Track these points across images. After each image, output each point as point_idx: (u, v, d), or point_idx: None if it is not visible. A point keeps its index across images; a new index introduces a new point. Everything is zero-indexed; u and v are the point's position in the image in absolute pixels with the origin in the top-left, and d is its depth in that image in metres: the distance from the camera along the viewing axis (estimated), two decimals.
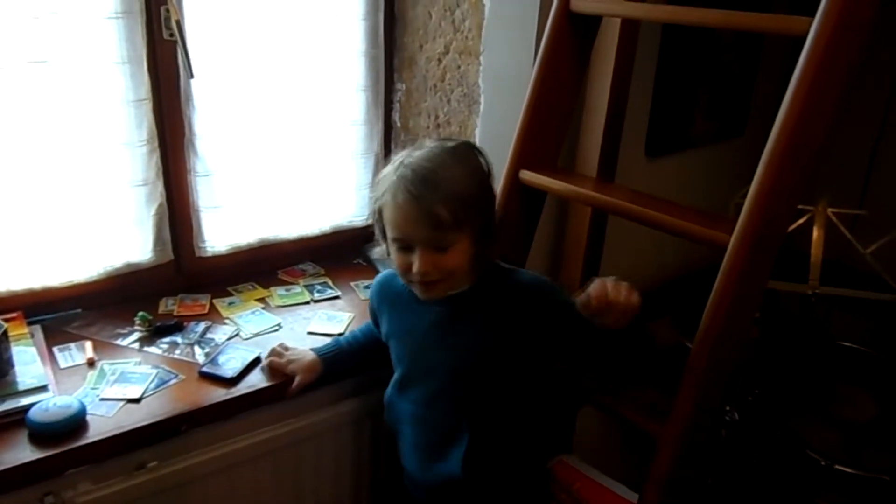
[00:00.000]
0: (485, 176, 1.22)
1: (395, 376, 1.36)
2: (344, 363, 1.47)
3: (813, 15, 1.06)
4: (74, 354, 1.43)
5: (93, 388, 1.33)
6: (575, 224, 1.65)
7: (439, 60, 1.76)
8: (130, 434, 1.24)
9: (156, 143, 1.54)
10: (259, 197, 1.73)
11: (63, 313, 1.55)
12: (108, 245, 1.55)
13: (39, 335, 1.46)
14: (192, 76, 1.50)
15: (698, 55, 1.90)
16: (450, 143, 1.22)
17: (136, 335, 1.51)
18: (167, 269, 1.66)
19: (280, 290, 1.75)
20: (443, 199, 1.12)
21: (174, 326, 1.54)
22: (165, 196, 1.59)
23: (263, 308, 1.67)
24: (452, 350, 1.27)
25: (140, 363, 1.42)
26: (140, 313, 1.53)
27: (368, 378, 1.52)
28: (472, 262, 1.21)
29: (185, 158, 1.60)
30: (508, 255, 1.40)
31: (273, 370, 1.42)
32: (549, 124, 1.46)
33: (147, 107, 1.49)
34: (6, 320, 1.37)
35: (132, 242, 1.57)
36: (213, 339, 1.52)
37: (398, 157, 1.20)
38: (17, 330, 1.41)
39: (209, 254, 1.70)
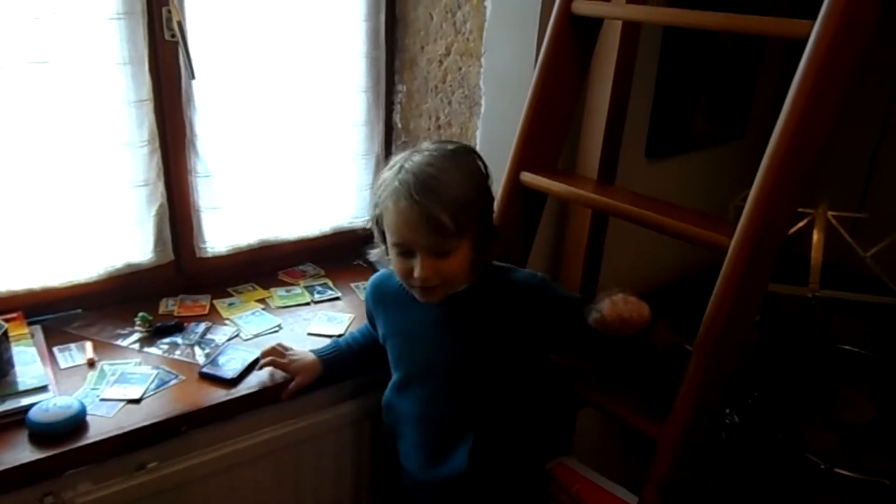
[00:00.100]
0: (484, 179, 1.22)
1: (394, 377, 1.36)
2: (344, 364, 1.47)
3: (814, 17, 1.06)
4: (74, 355, 1.43)
5: (93, 389, 1.33)
6: (575, 226, 1.65)
7: (440, 62, 1.76)
8: (130, 434, 1.24)
9: (157, 144, 1.54)
10: (260, 198, 1.73)
11: (63, 314, 1.55)
12: (108, 245, 1.55)
13: (40, 335, 1.46)
14: (193, 77, 1.50)
15: (699, 57, 1.90)
16: (449, 147, 1.22)
17: (136, 336, 1.51)
18: (167, 270, 1.66)
19: (280, 291, 1.75)
20: (445, 205, 1.12)
21: (174, 327, 1.54)
22: (166, 196, 1.59)
23: (264, 309, 1.67)
24: (452, 349, 1.27)
25: (140, 364, 1.42)
26: (140, 314, 1.53)
27: (368, 379, 1.52)
28: (471, 264, 1.21)
29: (185, 159, 1.60)
30: (509, 256, 1.40)
31: (275, 369, 1.41)
32: (549, 126, 1.46)
33: (148, 107, 1.49)
34: (6, 320, 1.37)
35: (133, 243, 1.57)
36: (213, 340, 1.52)
37: (397, 161, 1.19)
38: (18, 330, 1.41)
39: (209, 254, 1.70)
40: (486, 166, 1.23)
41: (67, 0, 1.35)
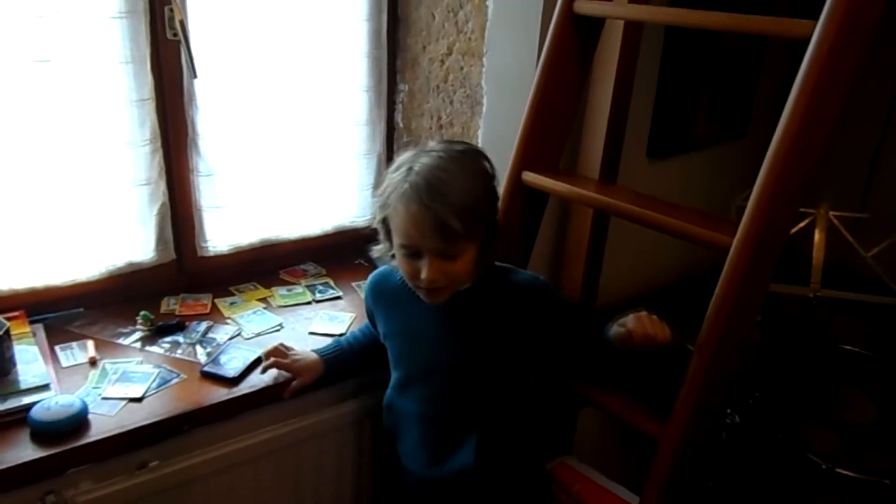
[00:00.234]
0: (491, 181, 1.22)
1: (395, 377, 1.36)
2: (345, 363, 1.47)
3: (816, 17, 1.06)
4: (76, 353, 1.43)
5: (94, 388, 1.34)
6: (577, 225, 1.65)
7: (442, 61, 1.76)
8: (132, 433, 1.24)
9: (158, 143, 1.54)
10: (261, 197, 1.73)
11: (65, 312, 1.55)
12: (110, 244, 1.55)
13: (41, 334, 1.46)
14: (195, 76, 1.51)
15: (701, 57, 1.90)
16: (457, 148, 1.21)
17: (137, 334, 1.51)
18: (169, 269, 1.66)
19: (282, 291, 1.75)
20: (455, 210, 1.11)
21: (176, 326, 1.55)
22: (168, 196, 1.59)
23: (265, 308, 1.67)
24: (453, 348, 1.27)
25: (142, 362, 1.42)
26: (142, 313, 1.53)
27: (369, 379, 1.52)
28: (476, 264, 1.21)
29: (187, 158, 1.60)
30: (510, 256, 1.40)
31: (278, 369, 1.41)
32: (551, 126, 1.46)
33: (150, 106, 1.49)
34: (8, 319, 1.37)
35: (134, 242, 1.58)
36: (214, 339, 1.52)
37: (404, 161, 1.18)
38: (20, 329, 1.42)
39: (211, 253, 1.70)
40: (493, 167, 1.23)
41: None
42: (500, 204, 1.29)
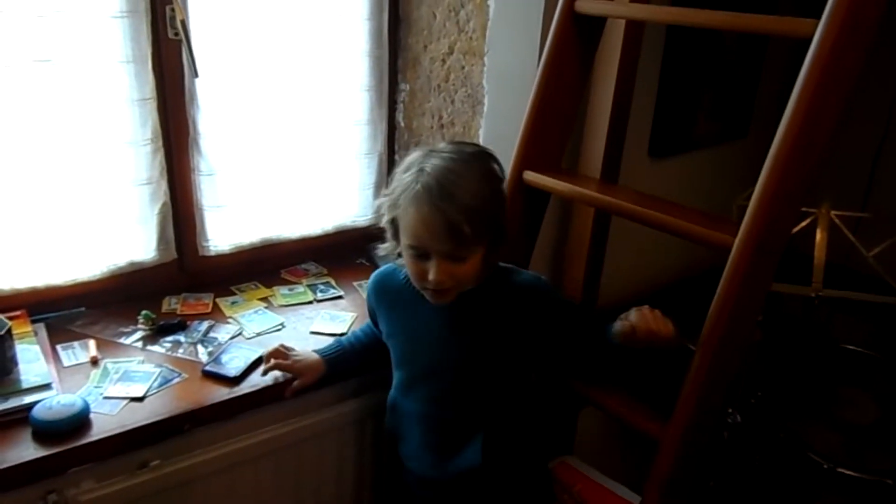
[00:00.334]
0: (500, 184, 1.22)
1: (399, 377, 1.36)
2: (347, 363, 1.47)
3: (818, 16, 1.06)
4: (78, 353, 1.43)
5: (96, 387, 1.34)
6: (578, 225, 1.65)
7: (443, 61, 1.76)
8: (133, 433, 1.24)
9: (160, 143, 1.54)
10: (262, 196, 1.73)
11: (67, 312, 1.55)
12: (111, 244, 1.55)
13: (43, 333, 1.46)
14: (196, 75, 1.51)
15: (702, 56, 1.90)
16: (468, 150, 1.20)
17: (139, 334, 1.51)
18: (170, 268, 1.66)
19: (283, 290, 1.75)
20: (466, 214, 1.11)
21: (177, 325, 1.55)
22: (169, 195, 1.59)
23: (266, 307, 1.67)
24: (457, 349, 1.27)
25: (143, 362, 1.42)
26: (143, 312, 1.53)
27: (371, 378, 1.52)
28: (482, 266, 1.21)
29: (188, 157, 1.60)
30: (511, 256, 1.40)
31: (280, 370, 1.41)
32: (552, 125, 1.46)
33: (151, 106, 1.49)
34: (10, 318, 1.37)
35: (136, 241, 1.58)
36: (216, 339, 1.52)
37: (414, 161, 1.18)
38: (21, 328, 1.42)
39: (212, 253, 1.70)
40: (502, 170, 1.23)
41: None
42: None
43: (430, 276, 1.16)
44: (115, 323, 1.54)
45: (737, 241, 1.13)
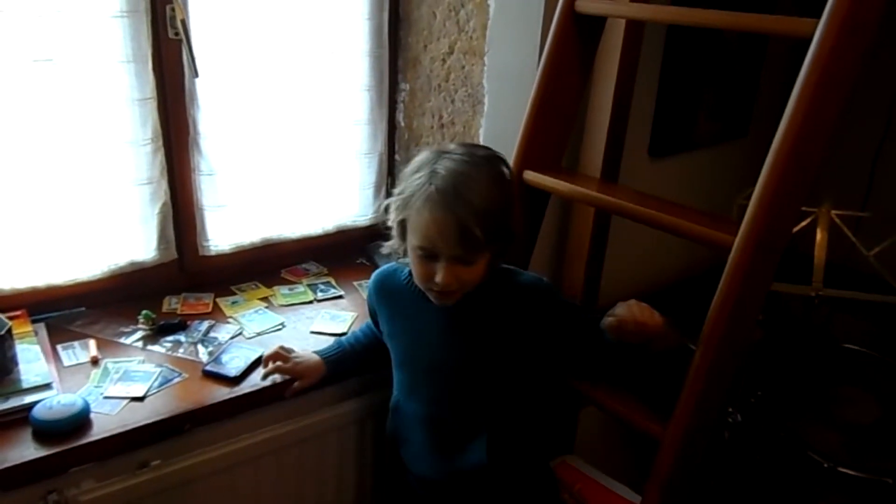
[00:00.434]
0: (511, 188, 1.22)
1: (400, 379, 1.36)
2: (347, 364, 1.47)
3: (818, 16, 1.06)
4: (78, 353, 1.43)
5: (96, 387, 1.34)
6: (578, 224, 1.65)
7: (443, 60, 1.76)
8: (134, 432, 1.24)
9: (160, 142, 1.54)
10: (263, 196, 1.73)
11: (67, 311, 1.55)
12: (112, 243, 1.55)
13: (43, 333, 1.46)
14: (196, 75, 1.51)
15: (702, 56, 1.90)
16: (480, 153, 1.20)
17: (139, 334, 1.51)
18: (171, 268, 1.66)
19: (283, 290, 1.75)
20: (479, 219, 1.11)
21: (178, 325, 1.55)
22: (169, 195, 1.59)
23: (267, 307, 1.67)
24: (458, 349, 1.27)
25: (143, 362, 1.42)
26: (144, 312, 1.53)
27: (371, 378, 1.52)
28: (488, 268, 1.21)
29: (189, 157, 1.60)
30: (511, 255, 1.40)
31: (280, 374, 1.40)
32: (553, 125, 1.46)
33: (152, 105, 1.49)
34: (10, 318, 1.37)
35: (136, 241, 1.58)
36: (216, 338, 1.52)
37: (425, 163, 1.17)
38: (21, 328, 1.42)
39: (213, 253, 1.70)
40: (511, 173, 1.23)
41: None
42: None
43: (438, 279, 1.16)
44: (115, 323, 1.54)
45: (737, 240, 1.13)
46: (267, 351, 1.43)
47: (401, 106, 1.92)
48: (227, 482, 1.40)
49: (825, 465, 1.49)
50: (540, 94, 1.42)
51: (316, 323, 1.62)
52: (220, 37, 1.55)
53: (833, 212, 1.82)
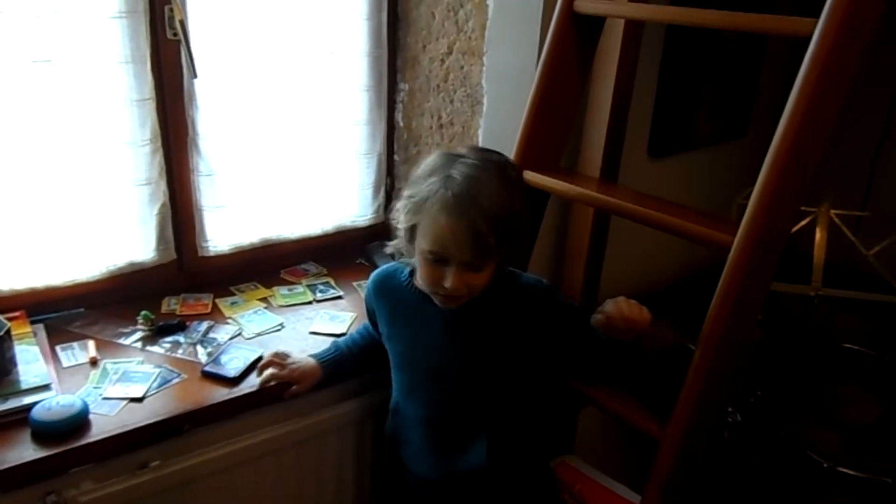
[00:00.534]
0: (523, 195, 1.21)
1: (400, 381, 1.35)
2: (344, 367, 1.46)
3: (817, 16, 1.06)
4: (77, 353, 1.43)
5: (95, 388, 1.34)
6: (577, 224, 1.65)
7: (442, 61, 1.76)
8: (133, 433, 1.24)
9: (159, 143, 1.54)
10: (262, 196, 1.73)
11: (66, 312, 1.55)
12: (110, 244, 1.55)
13: (42, 334, 1.46)
14: (195, 76, 1.50)
15: (702, 56, 1.90)
16: (494, 158, 1.19)
17: (138, 334, 1.51)
18: (170, 269, 1.66)
19: (282, 290, 1.75)
20: (493, 225, 1.10)
21: (177, 326, 1.54)
22: (168, 195, 1.59)
23: (266, 308, 1.67)
24: (460, 351, 1.27)
25: (143, 362, 1.42)
26: (143, 312, 1.53)
27: (371, 378, 1.52)
28: (494, 273, 1.21)
29: (188, 158, 1.60)
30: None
31: (276, 381, 1.39)
32: (552, 125, 1.46)
33: (150, 106, 1.49)
34: (9, 319, 1.37)
35: (135, 242, 1.58)
36: (215, 339, 1.52)
37: (438, 166, 1.15)
38: (20, 329, 1.42)
39: (212, 253, 1.70)
40: (521, 177, 1.23)
41: None
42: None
43: (447, 284, 1.15)
44: (114, 323, 1.54)
45: (736, 240, 1.13)
46: (263, 358, 1.42)
47: (400, 106, 1.92)
48: (227, 483, 1.40)
49: (825, 465, 1.49)
50: (539, 94, 1.42)
51: (315, 323, 1.62)
52: (218, 37, 1.55)
53: (832, 211, 1.81)
